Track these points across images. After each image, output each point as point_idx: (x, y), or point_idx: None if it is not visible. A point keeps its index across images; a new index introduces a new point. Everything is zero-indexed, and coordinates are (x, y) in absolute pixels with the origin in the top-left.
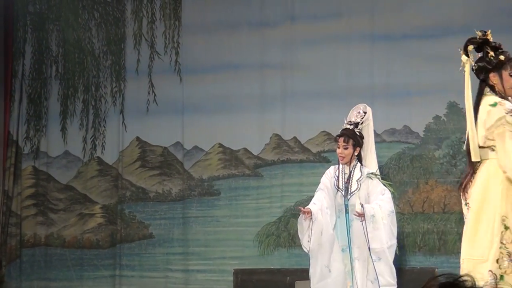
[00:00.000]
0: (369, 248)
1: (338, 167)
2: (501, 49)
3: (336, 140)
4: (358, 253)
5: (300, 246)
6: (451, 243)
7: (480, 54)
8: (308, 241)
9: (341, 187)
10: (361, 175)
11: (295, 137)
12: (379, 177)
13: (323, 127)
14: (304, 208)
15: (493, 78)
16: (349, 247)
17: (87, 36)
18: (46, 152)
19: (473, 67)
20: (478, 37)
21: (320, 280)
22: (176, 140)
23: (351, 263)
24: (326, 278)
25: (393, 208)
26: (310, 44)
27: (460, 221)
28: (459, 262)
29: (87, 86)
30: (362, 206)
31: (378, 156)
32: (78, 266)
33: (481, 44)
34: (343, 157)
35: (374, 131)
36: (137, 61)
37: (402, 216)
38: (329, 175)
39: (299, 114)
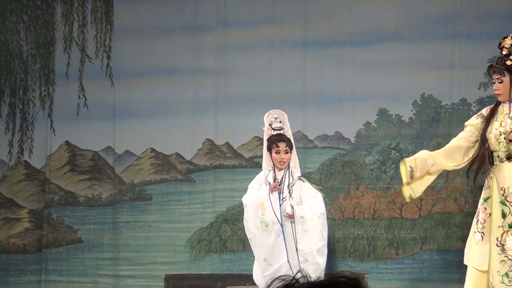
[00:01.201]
0: (296, 249)
1: (274, 172)
2: None
3: (273, 146)
4: (292, 257)
5: (231, 251)
6: (380, 248)
7: None
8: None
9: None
10: (292, 180)
11: (227, 143)
12: (310, 180)
13: (256, 132)
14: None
15: None
16: (285, 238)
17: (14, 39)
18: None
19: None
20: None
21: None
22: (107, 145)
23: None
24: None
25: (324, 211)
26: (243, 49)
27: (389, 227)
28: (388, 268)
29: (14, 89)
30: (292, 207)
31: (310, 162)
32: (4, 271)
33: None
34: (284, 162)
35: (306, 136)
36: (67, 64)
37: (333, 222)
38: (259, 181)
39: (232, 119)
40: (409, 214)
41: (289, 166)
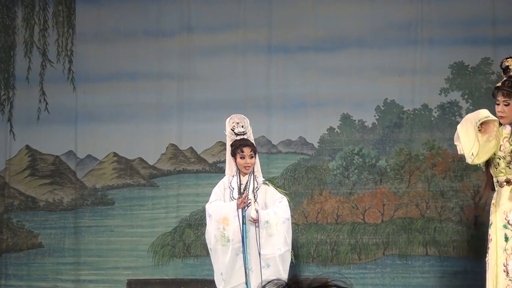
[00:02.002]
0: (259, 254)
1: (238, 177)
2: None
3: (238, 151)
4: (254, 264)
5: (195, 256)
6: (343, 253)
7: None
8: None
9: (237, 198)
10: (257, 184)
11: (191, 147)
12: (275, 184)
13: (220, 137)
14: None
15: None
16: (245, 257)
17: None
18: None
19: None
20: None
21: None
22: (69, 149)
23: (246, 275)
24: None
25: (289, 216)
26: (208, 54)
27: (352, 232)
28: (350, 273)
29: None
30: (257, 212)
31: (273, 167)
32: None
33: None
34: (249, 167)
35: (270, 141)
36: (28, 68)
37: (297, 227)
38: (223, 186)
39: (196, 124)
40: (371, 219)
41: (253, 171)
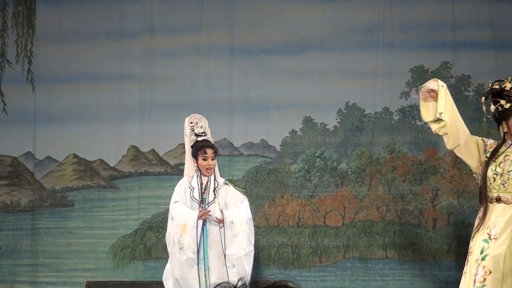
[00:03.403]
0: (224, 255)
1: (199, 178)
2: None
3: (200, 152)
4: (214, 264)
5: (155, 259)
6: (304, 256)
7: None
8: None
9: (197, 198)
10: (217, 185)
11: (153, 149)
12: (236, 185)
13: (182, 139)
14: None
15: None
16: (205, 258)
17: None
18: None
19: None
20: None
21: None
22: (27, 150)
23: (206, 275)
24: None
25: (251, 216)
26: (170, 56)
27: (313, 235)
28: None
29: None
30: (221, 212)
31: (235, 170)
32: None
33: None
34: (211, 169)
35: (232, 144)
36: None
37: (258, 230)
38: (183, 187)
39: (158, 126)
40: (332, 222)
41: (214, 171)
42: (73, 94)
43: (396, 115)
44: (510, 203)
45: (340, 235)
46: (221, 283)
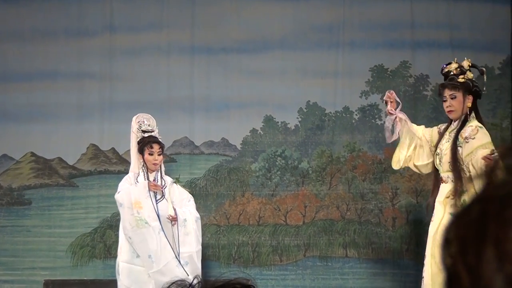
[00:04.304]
0: (178, 254)
1: (145, 174)
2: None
3: (147, 147)
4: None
5: (115, 257)
6: (264, 255)
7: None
8: None
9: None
10: (164, 183)
11: (113, 148)
12: (181, 183)
13: None
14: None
15: None
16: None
17: None
18: None
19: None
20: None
21: None
22: None
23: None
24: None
25: (198, 215)
26: (130, 54)
27: (274, 233)
28: (272, 274)
29: None
30: (174, 210)
31: (196, 168)
32: None
33: None
34: (157, 164)
35: (193, 142)
36: None
37: (219, 228)
38: (129, 181)
39: (118, 125)
40: (293, 221)
41: (160, 169)
42: (31, 92)
43: (356, 114)
44: (446, 182)
45: (300, 234)
46: (176, 281)
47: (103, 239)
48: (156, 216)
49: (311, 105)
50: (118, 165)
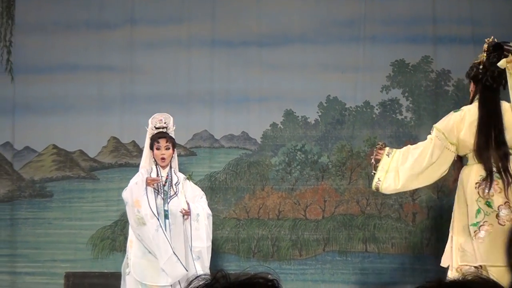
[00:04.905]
0: (190, 248)
1: (158, 171)
2: None
3: (154, 143)
4: (185, 255)
5: None
6: (284, 249)
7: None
8: None
9: (159, 190)
10: (178, 179)
11: (133, 141)
12: (193, 180)
13: None
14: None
15: None
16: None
17: None
18: None
19: None
20: None
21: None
22: (6, 140)
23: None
24: None
25: (210, 212)
26: (150, 47)
27: (293, 228)
28: (291, 268)
29: None
30: (188, 204)
31: (216, 162)
32: None
33: None
34: (165, 159)
35: (212, 136)
36: None
37: (238, 222)
38: (141, 177)
39: (138, 117)
40: (313, 215)
41: (171, 166)
42: (52, 84)
43: (377, 109)
44: None
45: (320, 229)
46: (200, 275)
47: (124, 232)
48: (153, 214)
49: (331, 100)
50: (139, 158)
